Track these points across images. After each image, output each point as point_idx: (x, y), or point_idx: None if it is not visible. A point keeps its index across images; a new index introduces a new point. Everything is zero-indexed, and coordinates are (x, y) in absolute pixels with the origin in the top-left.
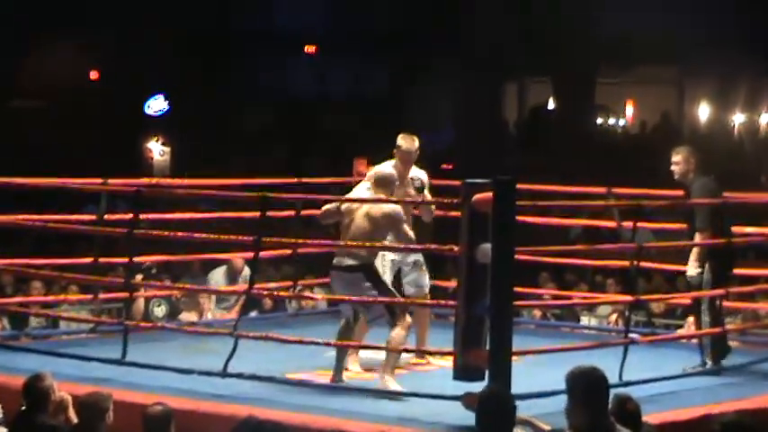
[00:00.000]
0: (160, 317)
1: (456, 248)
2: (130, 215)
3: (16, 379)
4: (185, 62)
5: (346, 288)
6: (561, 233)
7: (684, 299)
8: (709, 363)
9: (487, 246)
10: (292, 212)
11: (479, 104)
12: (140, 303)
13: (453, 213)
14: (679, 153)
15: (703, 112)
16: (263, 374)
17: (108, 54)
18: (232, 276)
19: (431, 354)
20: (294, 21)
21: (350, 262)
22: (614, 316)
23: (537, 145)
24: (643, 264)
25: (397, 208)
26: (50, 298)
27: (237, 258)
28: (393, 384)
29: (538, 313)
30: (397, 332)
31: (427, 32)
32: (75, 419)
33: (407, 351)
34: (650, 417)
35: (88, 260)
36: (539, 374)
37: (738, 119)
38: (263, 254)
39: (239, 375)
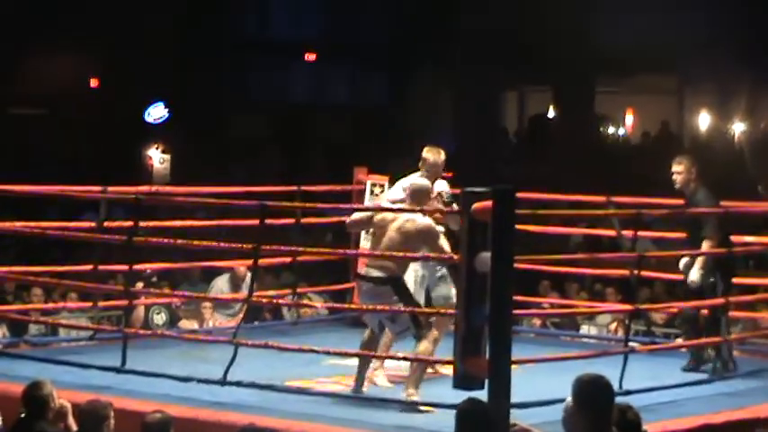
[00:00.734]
0: (160, 324)
1: (455, 257)
2: (130, 222)
3: (16, 386)
4: (185, 70)
5: (373, 300)
6: (561, 242)
7: (685, 307)
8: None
9: (487, 254)
10: (292, 220)
11: (479, 113)
12: (140, 311)
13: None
14: (681, 163)
15: (703, 120)
16: (262, 382)
17: (108, 61)
18: (235, 283)
19: (431, 362)
20: (293, 29)
21: (378, 274)
22: (614, 325)
23: (537, 154)
24: (643, 273)
25: (432, 223)
26: (50, 305)
27: (240, 266)
28: (417, 398)
29: (538, 322)
30: (424, 346)
31: (426, 41)
32: (74, 427)
33: (406, 359)
34: (650, 426)
35: (88, 267)
36: (538, 383)
37: (738, 127)
38: (262, 262)
39: (239, 383)
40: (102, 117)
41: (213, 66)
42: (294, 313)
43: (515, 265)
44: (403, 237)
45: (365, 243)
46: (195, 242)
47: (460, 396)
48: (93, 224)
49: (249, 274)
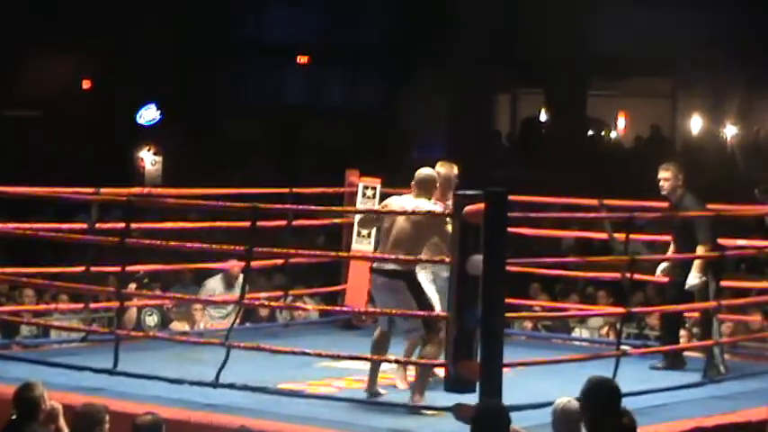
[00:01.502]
0: (152, 326)
1: (447, 260)
2: (122, 224)
3: (7, 388)
4: (178, 72)
5: (389, 294)
6: (553, 245)
7: (676, 310)
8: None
9: (479, 257)
10: (284, 222)
11: (471, 116)
12: (133, 313)
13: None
14: (668, 169)
15: (696, 124)
16: (254, 385)
17: (100, 63)
18: (228, 283)
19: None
20: (287, 31)
21: (392, 267)
22: (606, 328)
23: (529, 157)
24: (635, 276)
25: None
26: (42, 307)
27: (234, 266)
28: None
29: (529, 325)
30: (430, 349)
31: (420, 44)
32: (65, 429)
33: (396, 362)
34: (642, 429)
35: (80, 269)
36: (530, 386)
37: (731, 131)
38: (255, 264)
39: (231, 386)
40: (94, 119)
41: (207, 68)
42: (287, 315)
43: (507, 267)
44: (414, 227)
45: (357, 245)
46: (188, 244)
47: (452, 399)
48: (85, 225)
49: (242, 275)
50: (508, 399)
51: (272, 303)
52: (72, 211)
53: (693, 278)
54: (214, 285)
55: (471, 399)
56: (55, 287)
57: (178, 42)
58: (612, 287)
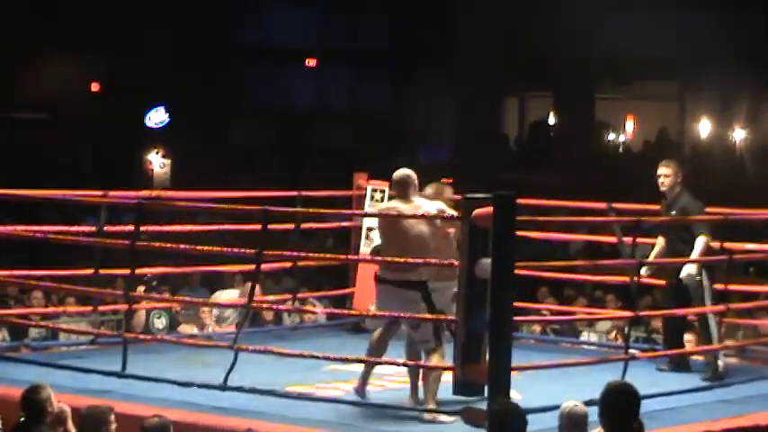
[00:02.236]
0: (160, 329)
1: (456, 263)
2: (131, 227)
3: (16, 390)
4: (185, 75)
5: (401, 306)
6: (561, 248)
7: (684, 314)
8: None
9: (487, 261)
10: (292, 225)
11: (479, 119)
12: (141, 315)
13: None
14: (669, 166)
15: (704, 127)
16: (262, 387)
17: (109, 66)
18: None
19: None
20: (294, 34)
21: (406, 277)
22: (614, 332)
23: (537, 160)
24: (643, 280)
25: (444, 207)
26: (50, 309)
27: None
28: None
29: (537, 328)
30: (436, 359)
31: (427, 47)
32: (73, 431)
33: (405, 365)
34: None
35: (88, 272)
36: (538, 389)
37: (739, 134)
38: (264, 267)
39: (239, 389)
40: (102, 122)
41: (215, 71)
42: (294, 318)
43: (515, 271)
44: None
45: (366, 248)
46: (197, 247)
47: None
48: (93, 228)
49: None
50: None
51: (281, 307)
52: (80, 215)
53: (689, 267)
54: (226, 297)
55: (478, 402)
56: (63, 290)
57: (186, 45)
58: (621, 291)
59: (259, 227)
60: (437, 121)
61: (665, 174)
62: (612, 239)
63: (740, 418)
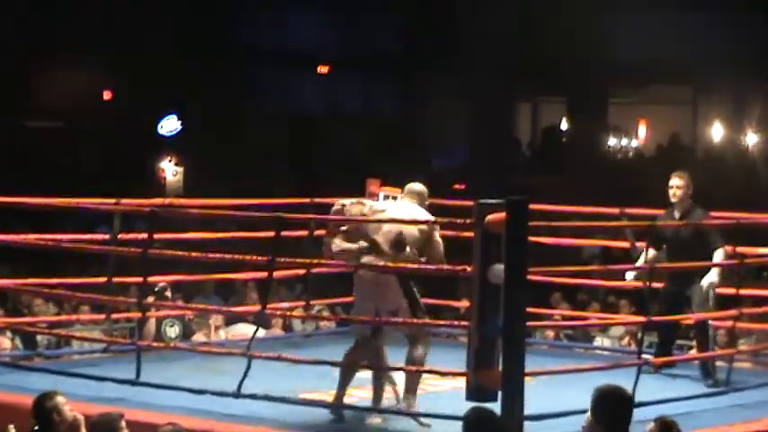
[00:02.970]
0: (173, 337)
1: (468, 269)
2: (144, 235)
3: (29, 399)
4: (198, 81)
5: (374, 288)
6: (574, 254)
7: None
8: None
9: (500, 266)
10: (305, 232)
11: (492, 124)
12: (152, 325)
13: (466, 234)
14: (682, 178)
15: (717, 131)
16: (275, 395)
17: (121, 74)
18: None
19: (443, 374)
20: (307, 39)
21: (383, 263)
22: (627, 337)
23: (550, 165)
24: (656, 285)
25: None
26: (63, 317)
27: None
28: (417, 406)
29: (551, 334)
30: (419, 352)
31: (439, 52)
32: None
33: (424, 371)
34: None
35: (101, 280)
36: (552, 395)
37: (752, 139)
38: (276, 274)
39: (253, 396)
40: (115, 129)
41: (228, 78)
42: (309, 325)
43: (528, 276)
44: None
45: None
46: (210, 255)
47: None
48: (107, 237)
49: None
50: (530, 408)
51: (295, 314)
52: (92, 223)
53: (712, 277)
54: (244, 329)
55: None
56: (76, 298)
57: (199, 52)
58: (634, 296)
59: (272, 234)
60: (450, 127)
61: (678, 185)
62: (625, 245)
63: (754, 423)
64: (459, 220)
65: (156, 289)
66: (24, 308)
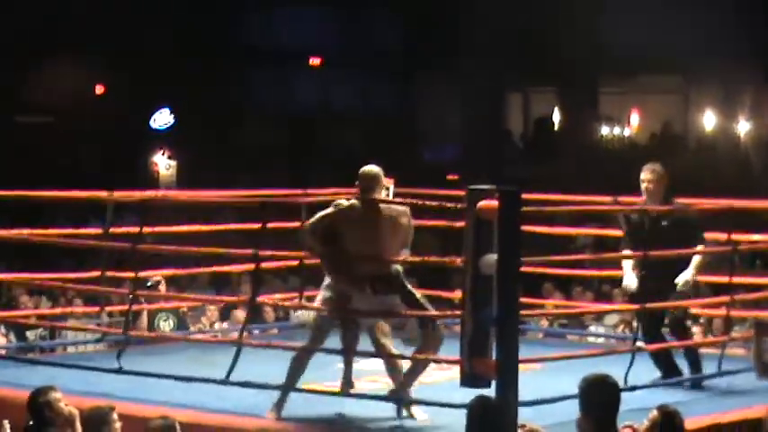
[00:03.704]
0: (167, 331)
1: (458, 260)
2: (136, 228)
3: (23, 393)
4: (190, 76)
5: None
6: (567, 242)
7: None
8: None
9: (493, 256)
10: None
11: (484, 116)
12: (144, 319)
13: (458, 224)
14: (654, 171)
15: (708, 120)
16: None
17: (113, 68)
18: None
19: (437, 362)
20: (299, 34)
21: (377, 271)
22: (621, 326)
23: (542, 156)
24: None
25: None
26: (57, 311)
27: None
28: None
29: (545, 323)
30: (432, 345)
31: (431, 45)
32: None
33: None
34: None
35: (95, 274)
36: (546, 383)
37: (743, 127)
38: (270, 265)
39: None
40: (107, 124)
41: (220, 71)
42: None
43: (521, 266)
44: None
45: None
46: (201, 249)
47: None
48: (99, 231)
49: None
50: (524, 395)
51: (287, 304)
52: (84, 218)
53: (687, 274)
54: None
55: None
56: (70, 290)
57: (191, 46)
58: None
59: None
60: (442, 119)
61: (648, 179)
62: (619, 233)
63: (747, 410)
64: (449, 205)
65: (149, 284)
66: (17, 302)
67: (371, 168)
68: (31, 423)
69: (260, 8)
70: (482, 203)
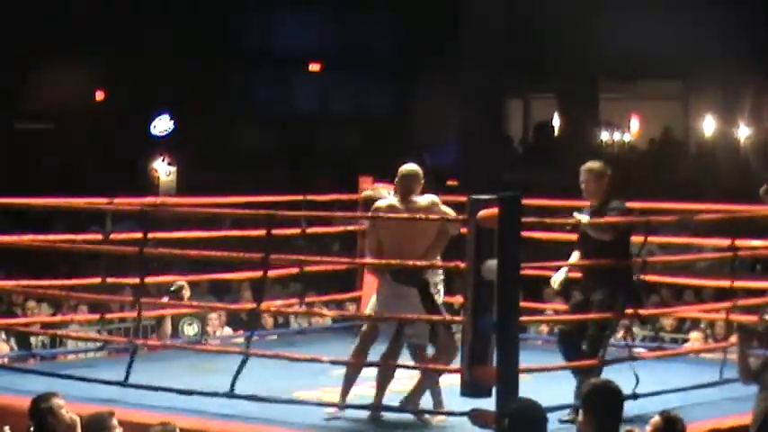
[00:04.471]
0: (191, 335)
1: (461, 265)
2: (137, 234)
3: (24, 400)
4: (190, 81)
5: (395, 298)
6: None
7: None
8: None
9: (493, 262)
10: (298, 230)
11: (483, 121)
12: (168, 323)
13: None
14: (591, 170)
15: (708, 125)
16: (269, 393)
17: (113, 74)
18: None
19: (438, 371)
20: (298, 39)
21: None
22: (621, 331)
23: (542, 161)
24: (649, 278)
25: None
26: (58, 318)
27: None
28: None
29: (545, 329)
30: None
31: (431, 49)
32: None
33: (414, 368)
34: None
35: (96, 280)
36: (546, 390)
37: (743, 132)
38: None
39: (249, 397)
40: (107, 130)
41: (220, 77)
42: (302, 323)
43: (522, 272)
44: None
45: None
46: (202, 253)
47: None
48: (99, 237)
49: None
50: None
51: (288, 310)
52: (85, 224)
53: (561, 274)
54: None
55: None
56: (72, 298)
57: (190, 52)
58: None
59: (264, 232)
60: (442, 124)
61: (584, 179)
62: None
63: (748, 416)
64: (452, 216)
65: (172, 288)
66: (18, 308)
67: (411, 167)
68: (32, 429)
69: (260, 9)
70: (482, 213)
